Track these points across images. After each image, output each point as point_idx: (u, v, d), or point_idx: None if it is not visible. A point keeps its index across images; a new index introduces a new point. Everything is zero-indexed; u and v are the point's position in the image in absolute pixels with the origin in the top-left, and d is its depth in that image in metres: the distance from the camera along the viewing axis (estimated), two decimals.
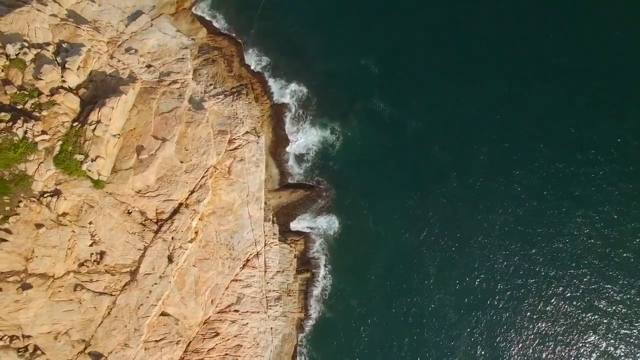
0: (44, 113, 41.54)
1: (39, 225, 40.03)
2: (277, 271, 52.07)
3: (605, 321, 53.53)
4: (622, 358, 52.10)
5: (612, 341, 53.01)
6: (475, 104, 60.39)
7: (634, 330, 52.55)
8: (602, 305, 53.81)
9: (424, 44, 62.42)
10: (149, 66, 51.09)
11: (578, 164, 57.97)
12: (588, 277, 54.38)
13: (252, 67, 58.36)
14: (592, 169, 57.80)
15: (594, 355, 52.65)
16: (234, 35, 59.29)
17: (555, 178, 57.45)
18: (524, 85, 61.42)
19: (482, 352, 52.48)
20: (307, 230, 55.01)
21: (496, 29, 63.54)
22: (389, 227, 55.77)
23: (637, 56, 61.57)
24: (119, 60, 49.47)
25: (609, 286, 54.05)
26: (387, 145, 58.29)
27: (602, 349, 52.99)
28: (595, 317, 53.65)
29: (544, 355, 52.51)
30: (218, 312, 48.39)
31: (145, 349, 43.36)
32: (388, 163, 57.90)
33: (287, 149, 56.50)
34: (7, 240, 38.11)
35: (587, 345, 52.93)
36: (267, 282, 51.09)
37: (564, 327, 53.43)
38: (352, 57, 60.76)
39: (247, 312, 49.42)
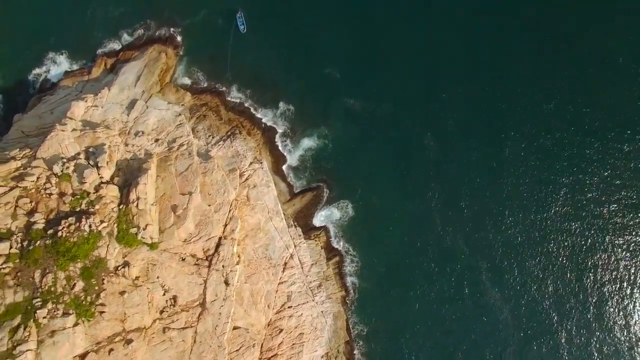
0: (97, 207, 46.39)
1: (122, 293, 44.93)
2: (312, 264, 57.18)
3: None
4: None
5: None
6: (431, 76, 65.95)
7: None
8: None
9: (373, 40, 67.98)
10: (156, 140, 55.50)
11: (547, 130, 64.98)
12: (563, 194, 61.96)
13: (236, 109, 62.80)
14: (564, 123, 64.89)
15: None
16: (213, 88, 63.83)
17: (520, 133, 64.48)
18: (473, 54, 67.36)
19: (494, 284, 59.63)
20: (325, 223, 60.41)
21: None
22: (391, 199, 61.94)
23: None
24: (132, 145, 53.89)
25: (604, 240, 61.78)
26: (368, 132, 64.01)
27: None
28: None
29: (550, 281, 60.06)
30: (276, 313, 53.60)
31: (231, 359, 48.97)
32: (373, 146, 63.47)
33: (286, 164, 61.86)
34: (104, 312, 43.45)
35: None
36: (307, 276, 56.32)
37: (568, 254, 60.98)
38: (316, 70, 65.67)
39: (298, 305, 54.68)
